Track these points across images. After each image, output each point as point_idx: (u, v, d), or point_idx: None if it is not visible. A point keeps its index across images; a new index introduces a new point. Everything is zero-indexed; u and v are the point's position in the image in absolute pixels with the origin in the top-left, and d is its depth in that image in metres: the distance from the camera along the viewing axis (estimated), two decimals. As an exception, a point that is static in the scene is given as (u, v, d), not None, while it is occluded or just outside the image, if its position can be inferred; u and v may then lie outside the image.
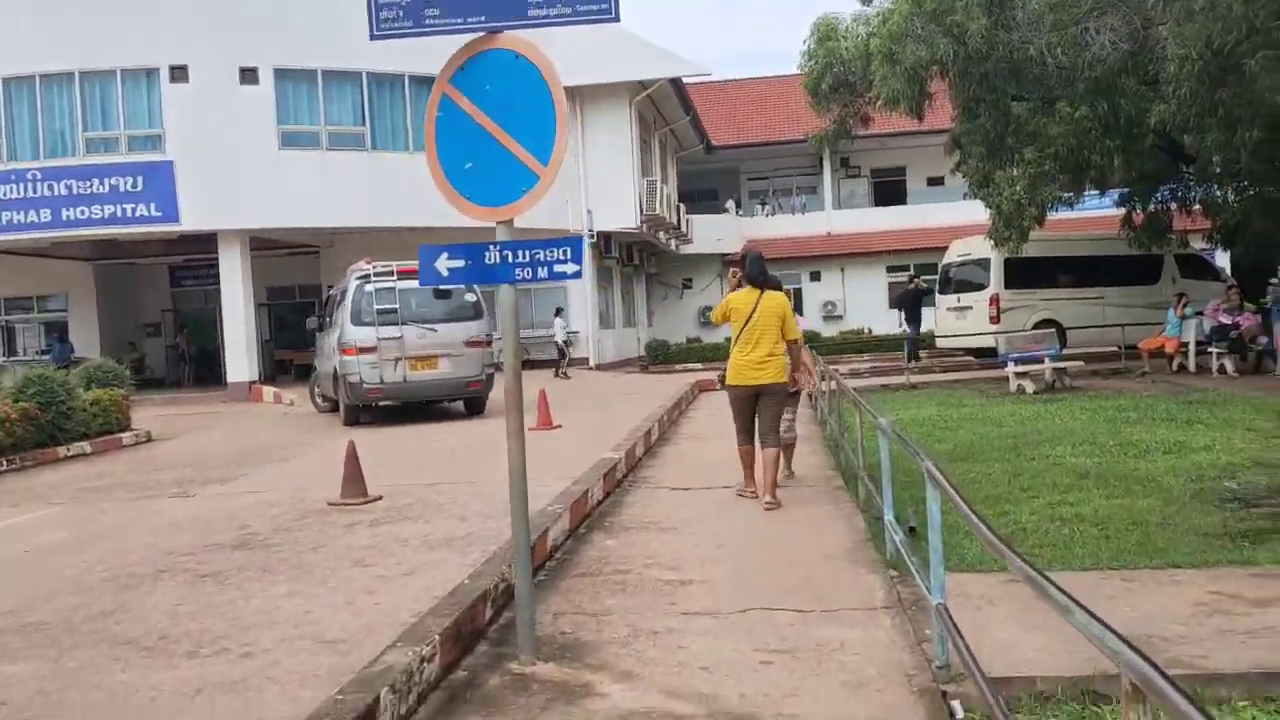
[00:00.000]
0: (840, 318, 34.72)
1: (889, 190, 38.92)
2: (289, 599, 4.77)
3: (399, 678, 3.55)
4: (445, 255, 4.50)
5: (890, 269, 35.12)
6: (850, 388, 8.08)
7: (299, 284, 29.13)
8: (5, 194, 21.92)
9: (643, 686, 3.76)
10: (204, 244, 23.21)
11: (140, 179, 21.78)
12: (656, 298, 36.34)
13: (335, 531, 6.34)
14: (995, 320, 18.98)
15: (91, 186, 21.75)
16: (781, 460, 7.69)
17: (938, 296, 21.25)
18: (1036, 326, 18.81)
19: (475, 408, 14.17)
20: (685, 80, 28.14)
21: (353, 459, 7.45)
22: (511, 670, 4.08)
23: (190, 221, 21.96)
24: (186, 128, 21.82)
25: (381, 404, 13.74)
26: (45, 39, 21.74)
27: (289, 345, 29.72)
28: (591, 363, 25.96)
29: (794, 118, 37.85)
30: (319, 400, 15.99)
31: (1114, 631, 1.97)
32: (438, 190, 4.69)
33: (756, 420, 7.21)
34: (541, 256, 4.37)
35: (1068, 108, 15.02)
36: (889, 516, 5.06)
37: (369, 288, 13.10)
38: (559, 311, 25.36)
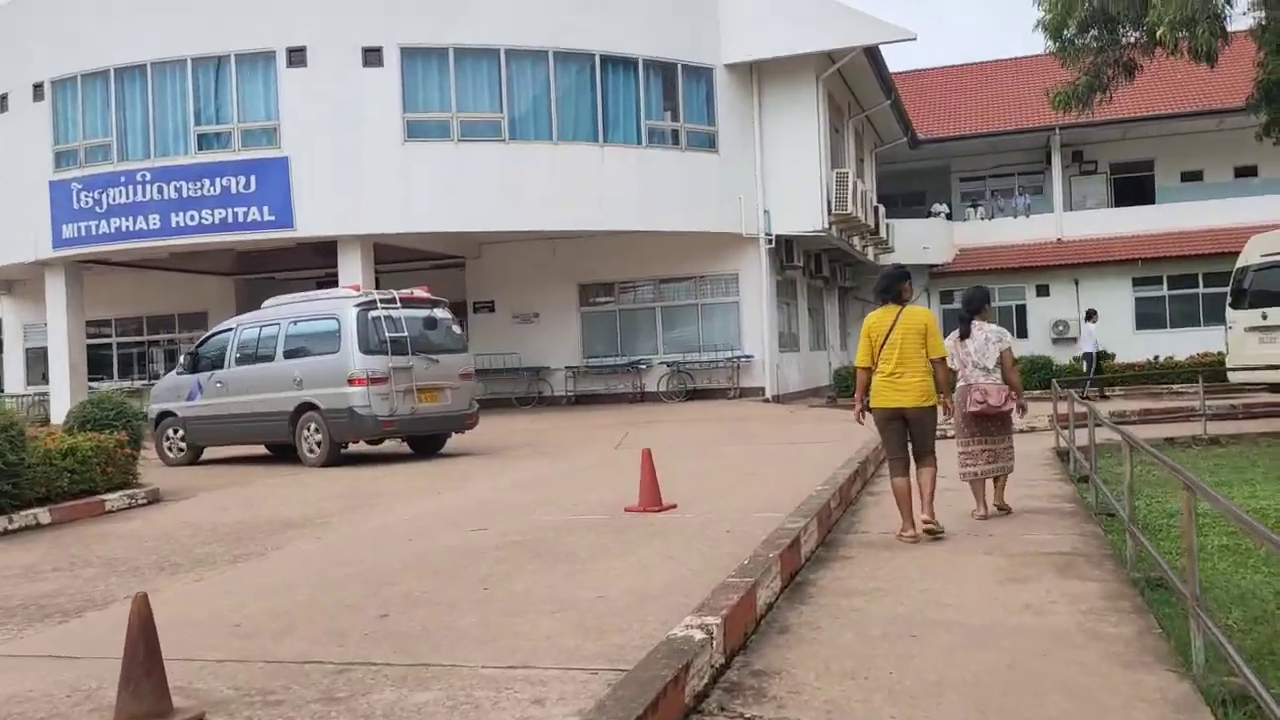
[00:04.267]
0: (1073, 340, 28.91)
1: (1132, 188, 32.80)
2: None
3: None
4: None
5: (1137, 281, 29.14)
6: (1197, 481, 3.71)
7: (447, 300, 26.17)
8: (116, 198, 19.81)
9: None
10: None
11: (253, 178, 19.21)
12: (852, 316, 31.59)
13: None
14: (1323, 345, 13.61)
15: (202, 188, 19.32)
16: (992, 490, 7.50)
17: (1229, 311, 15.82)
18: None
19: (433, 447, 13.72)
20: (885, 54, 23.61)
21: (140, 645, 3.55)
22: None
23: (306, 226, 19.25)
24: (303, 119, 19.09)
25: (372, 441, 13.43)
26: (155, 22, 19.52)
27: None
28: (768, 393, 21.69)
29: (1014, 106, 32.53)
30: (171, 450, 14.19)
31: None
32: None
33: (911, 447, 6.83)
34: None
35: None
36: None
37: (374, 314, 12.56)
38: (1090, 315, 22.19)
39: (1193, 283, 28.72)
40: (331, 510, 9.12)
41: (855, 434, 12.76)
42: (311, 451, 12.68)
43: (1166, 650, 4.22)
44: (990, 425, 7.45)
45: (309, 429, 12.69)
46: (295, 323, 13.25)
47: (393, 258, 22.59)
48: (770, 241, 21.72)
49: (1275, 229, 18.62)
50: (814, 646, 4.43)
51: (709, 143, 21.39)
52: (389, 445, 13.90)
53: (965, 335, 7.55)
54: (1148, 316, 29.15)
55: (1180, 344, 26.29)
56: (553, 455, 12.96)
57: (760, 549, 5.47)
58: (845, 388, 24.78)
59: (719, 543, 6.17)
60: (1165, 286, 29.07)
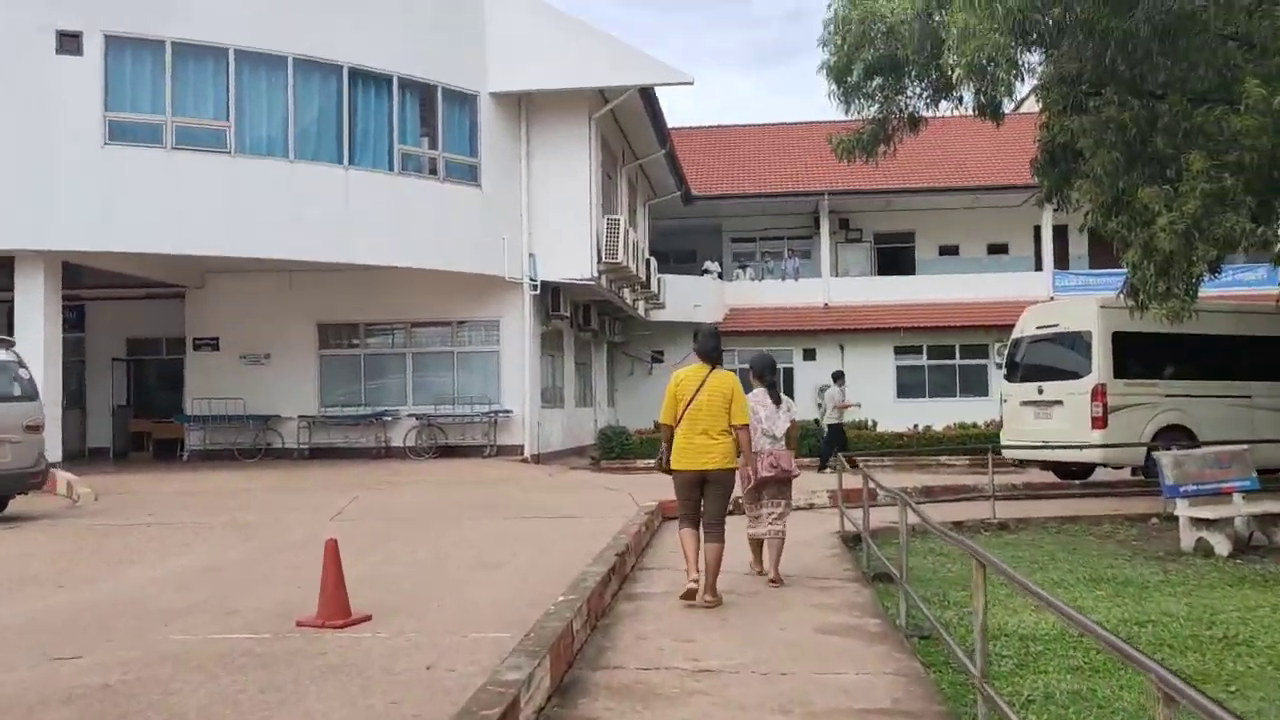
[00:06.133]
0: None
1: (894, 258, 33.42)
2: None
3: None
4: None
5: (899, 349, 29.32)
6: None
7: (165, 336, 22.88)
8: None
9: None
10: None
11: (-94, 175, 15.68)
12: (621, 373, 30.30)
13: None
14: (1099, 424, 13.05)
15: None
16: (768, 558, 7.59)
17: (1005, 385, 15.27)
18: (1159, 434, 12.96)
19: None
20: (664, 109, 22.52)
21: None
22: None
23: (-28, 237, 15.85)
24: (-23, 109, 15.81)
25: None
26: None
27: (149, 413, 23.37)
28: (527, 452, 19.77)
29: (787, 170, 32.55)
30: None
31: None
32: None
33: (702, 507, 6.73)
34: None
35: (1259, 89, 9.34)
36: None
37: None
38: (838, 377, 20.07)
39: (950, 354, 29.20)
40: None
41: (620, 506, 11.07)
42: None
43: None
44: (776, 489, 7.69)
45: None
46: None
47: (96, 282, 19.37)
48: (535, 288, 19.96)
49: (1040, 302, 18.61)
50: None
51: (471, 175, 19.47)
52: None
53: (778, 401, 7.73)
54: (908, 385, 29.36)
55: (938, 413, 26.36)
56: (251, 527, 10.54)
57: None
58: (610, 449, 23.27)
59: (406, 694, 4.18)
60: (925, 356, 29.41)
